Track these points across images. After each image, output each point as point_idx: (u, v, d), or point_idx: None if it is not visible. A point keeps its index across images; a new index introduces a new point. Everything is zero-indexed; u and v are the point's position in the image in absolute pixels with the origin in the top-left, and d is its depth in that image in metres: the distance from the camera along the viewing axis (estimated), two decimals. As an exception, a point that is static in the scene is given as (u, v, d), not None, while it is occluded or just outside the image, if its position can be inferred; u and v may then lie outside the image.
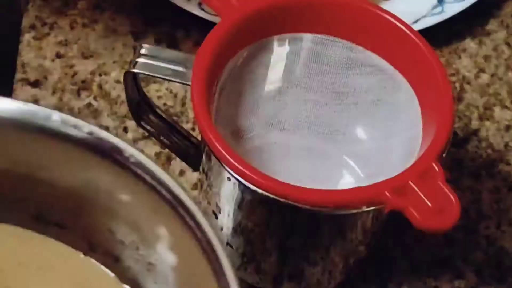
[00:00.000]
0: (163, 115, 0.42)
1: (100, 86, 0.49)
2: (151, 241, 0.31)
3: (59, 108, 0.46)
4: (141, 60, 0.38)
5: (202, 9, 0.50)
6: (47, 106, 0.31)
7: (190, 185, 0.46)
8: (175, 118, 0.47)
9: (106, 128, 0.46)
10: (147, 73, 0.38)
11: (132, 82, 0.40)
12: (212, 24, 0.49)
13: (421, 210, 0.33)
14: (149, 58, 0.38)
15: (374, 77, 0.41)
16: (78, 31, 0.51)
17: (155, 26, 0.52)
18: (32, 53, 0.50)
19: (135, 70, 0.38)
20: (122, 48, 0.51)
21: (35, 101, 0.48)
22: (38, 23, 0.51)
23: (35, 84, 0.49)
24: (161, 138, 0.43)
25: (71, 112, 0.48)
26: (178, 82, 0.38)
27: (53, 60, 0.50)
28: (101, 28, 0.51)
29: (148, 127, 0.42)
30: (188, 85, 0.37)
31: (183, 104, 0.49)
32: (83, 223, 0.33)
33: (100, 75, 0.50)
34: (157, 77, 0.38)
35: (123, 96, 0.48)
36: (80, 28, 0.51)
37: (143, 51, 0.38)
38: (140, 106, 0.41)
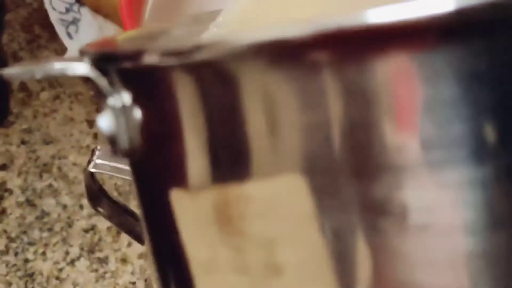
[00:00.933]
0: (116, 201, 0.51)
1: (59, 169, 0.57)
2: None
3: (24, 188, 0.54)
4: (97, 161, 0.47)
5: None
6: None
7: (136, 255, 0.55)
8: (123, 196, 0.56)
9: (64, 206, 0.55)
10: (102, 171, 0.47)
11: (90, 177, 0.48)
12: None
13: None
14: (104, 159, 0.47)
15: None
16: (40, 120, 0.59)
17: (107, 115, 0.60)
18: (0, 140, 0.58)
19: (92, 170, 0.46)
20: (79, 134, 0.59)
21: (3, 183, 0.56)
22: (5, 113, 0.60)
23: (3, 167, 0.57)
24: (113, 218, 0.52)
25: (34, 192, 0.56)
26: (129, 180, 0.47)
27: (18, 146, 0.58)
28: (60, 117, 0.60)
29: (102, 211, 0.51)
30: (136, 182, 0.46)
31: (131, 184, 0.58)
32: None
33: (59, 158, 0.58)
34: (112, 175, 0.47)
35: (80, 177, 0.57)
36: (42, 117, 0.60)
37: (98, 153, 0.47)
38: (96, 195, 0.50)
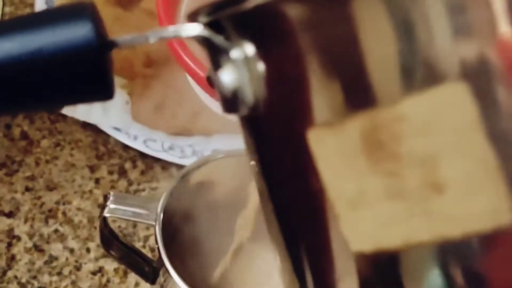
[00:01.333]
0: (126, 243, 0.53)
1: (64, 214, 0.59)
2: None
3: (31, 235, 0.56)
4: (111, 205, 0.49)
5: (147, 146, 0.62)
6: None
7: (144, 294, 0.57)
8: (128, 238, 0.58)
9: (71, 250, 0.57)
10: (116, 216, 0.49)
11: (103, 222, 0.50)
12: (155, 158, 0.60)
13: None
14: (117, 203, 0.49)
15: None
16: (43, 167, 0.61)
17: (107, 160, 0.63)
18: (5, 188, 0.60)
19: (107, 215, 0.49)
20: (81, 180, 0.61)
21: (10, 230, 0.58)
22: (8, 161, 0.61)
23: (9, 214, 0.59)
24: (123, 260, 0.54)
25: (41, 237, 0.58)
26: (142, 223, 0.49)
27: (23, 193, 0.60)
28: (62, 163, 0.62)
29: (113, 253, 0.53)
30: (151, 224, 0.48)
31: (135, 226, 0.60)
32: None
33: (64, 204, 0.60)
34: (125, 219, 0.49)
35: (84, 221, 0.59)
36: (44, 164, 0.62)
37: (111, 198, 0.49)
38: (108, 238, 0.52)
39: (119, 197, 0.50)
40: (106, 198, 0.50)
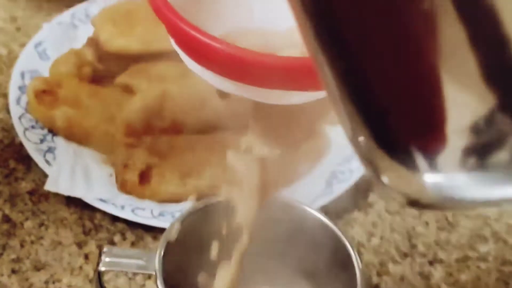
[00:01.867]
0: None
1: (54, 293, 0.56)
2: None
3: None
4: (106, 259, 0.46)
5: (136, 215, 0.59)
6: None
7: None
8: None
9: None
10: (112, 269, 0.46)
11: (98, 277, 0.47)
12: (147, 226, 0.58)
13: None
14: (112, 256, 0.46)
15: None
16: (28, 248, 0.58)
17: (94, 235, 0.60)
18: (-10, 272, 0.57)
19: (103, 269, 0.46)
20: (69, 257, 0.58)
21: (-2, 314, 0.54)
22: (-9, 246, 0.58)
23: (-3, 299, 0.55)
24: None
25: (32, 318, 0.54)
26: (141, 273, 0.46)
27: (9, 276, 0.57)
28: (48, 243, 0.59)
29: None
30: (149, 273, 0.45)
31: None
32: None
33: (53, 282, 0.56)
34: (122, 271, 0.46)
35: (76, 298, 0.55)
36: (29, 245, 0.59)
37: (105, 251, 0.46)
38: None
39: (114, 250, 0.47)
40: (100, 252, 0.47)
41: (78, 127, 0.64)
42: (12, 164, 0.64)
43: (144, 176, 0.61)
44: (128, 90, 0.66)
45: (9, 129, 0.66)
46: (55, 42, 0.72)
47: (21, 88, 0.67)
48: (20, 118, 0.65)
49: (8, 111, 0.66)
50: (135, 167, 0.61)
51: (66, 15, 0.75)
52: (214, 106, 0.64)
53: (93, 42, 0.67)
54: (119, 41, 0.66)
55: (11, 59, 0.72)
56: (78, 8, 0.75)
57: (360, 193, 0.66)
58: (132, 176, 0.61)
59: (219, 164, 0.58)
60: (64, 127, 0.64)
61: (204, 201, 0.49)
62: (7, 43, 0.75)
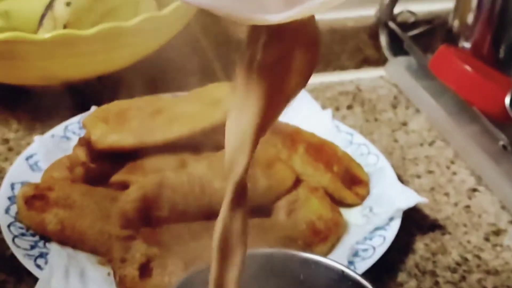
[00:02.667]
0: None
1: None
2: None
3: None
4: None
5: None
6: None
7: None
8: None
9: None
10: None
11: None
12: None
13: None
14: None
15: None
16: None
17: None
18: None
19: None
20: None
21: None
22: None
23: None
24: None
25: None
26: None
27: None
28: None
29: None
30: None
31: None
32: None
33: None
34: None
35: None
36: None
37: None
38: None
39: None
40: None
41: (71, 229, 0.59)
42: (1, 276, 0.59)
43: (144, 270, 0.55)
44: (124, 187, 0.61)
45: (-1, 242, 0.62)
46: (47, 154, 0.68)
47: (11, 198, 0.63)
48: (9, 226, 0.60)
49: (-3, 224, 0.62)
50: (134, 260, 0.55)
51: (59, 128, 0.72)
52: (215, 191, 0.59)
53: (84, 142, 0.64)
54: (112, 137, 0.63)
55: (2, 177, 0.69)
56: (72, 121, 0.73)
57: (386, 272, 0.60)
58: (131, 271, 0.55)
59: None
60: (56, 230, 0.59)
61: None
62: (-2, 162, 0.72)
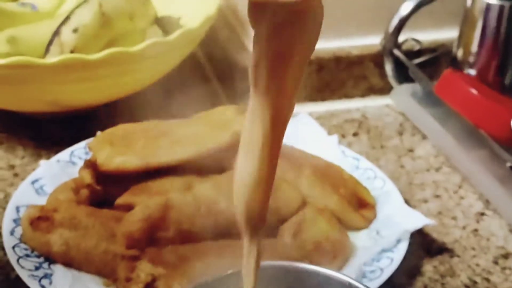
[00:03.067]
0: None
1: None
2: None
3: None
4: None
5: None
6: None
7: None
8: None
9: None
10: None
11: None
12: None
13: None
14: None
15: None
16: None
17: None
18: None
19: None
20: None
21: None
22: None
23: None
24: None
25: None
26: None
27: None
28: None
29: None
30: None
31: None
32: None
33: None
34: None
35: None
36: None
37: None
38: None
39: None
40: None
41: (76, 249, 0.58)
42: (5, 305, 0.58)
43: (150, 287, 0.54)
44: (130, 209, 0.61)
45: (4, 266, 0.61)
46: (53, 178, 0.68)
47: (16, 221, 0.63)
48: (14, 247, 0.59)
49: (2, 248, 0.61)
50: (139, 279, 0.55)
51: (65, 153, 0.72)
52: (221, 211, 0.59)
53: (90, 164, 0.64)
54: (117, 159, 0.63)
55: (7, 201, 0.68)
56: (77, 146, 0.73)
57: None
58: (137, 290, 0.54)
59: (230, 269, 0.52)
60: (61, 251, 0.58)
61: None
62: (4, 188, 0.71)
